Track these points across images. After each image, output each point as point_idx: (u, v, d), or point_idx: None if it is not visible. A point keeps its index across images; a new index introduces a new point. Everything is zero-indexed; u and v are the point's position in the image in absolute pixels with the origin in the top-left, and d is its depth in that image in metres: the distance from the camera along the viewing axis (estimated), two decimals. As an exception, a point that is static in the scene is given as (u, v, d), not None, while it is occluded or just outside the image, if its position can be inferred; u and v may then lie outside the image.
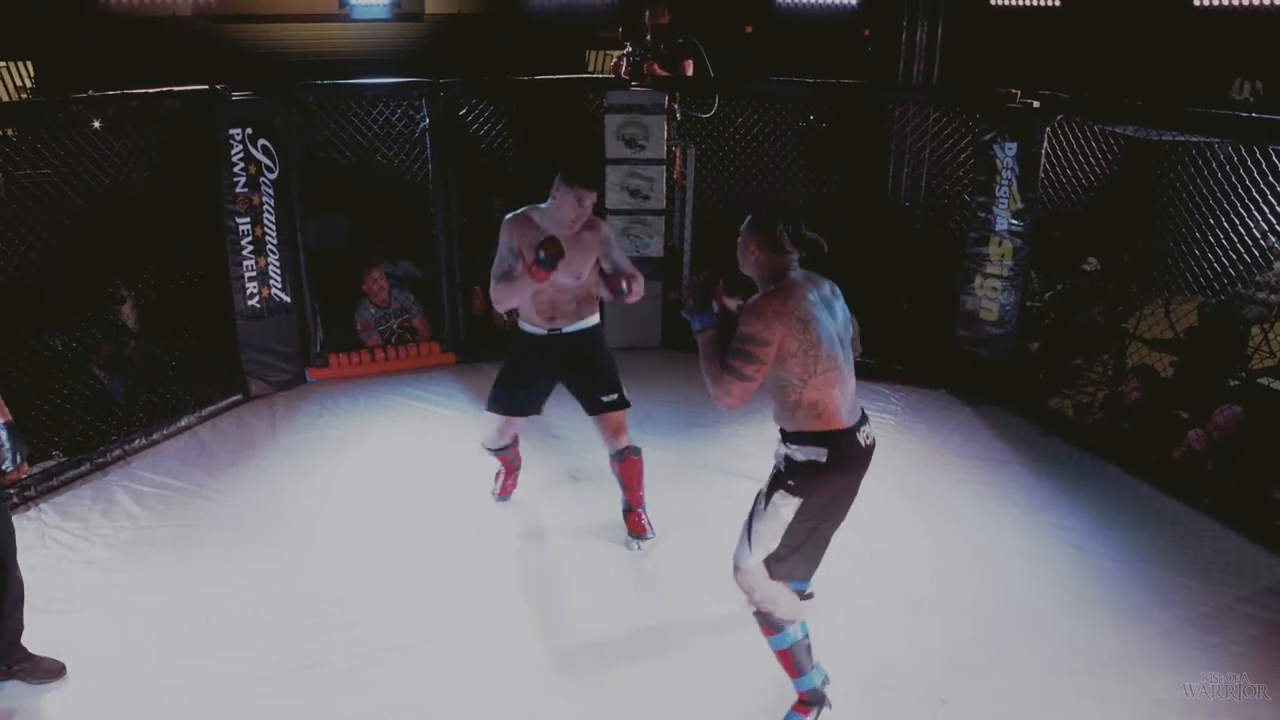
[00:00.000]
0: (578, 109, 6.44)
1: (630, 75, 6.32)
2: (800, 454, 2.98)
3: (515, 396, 4.19)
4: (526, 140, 6.53)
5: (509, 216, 3.95)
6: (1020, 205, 5.42)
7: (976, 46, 7.18)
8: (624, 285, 3.89)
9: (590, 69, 9.72)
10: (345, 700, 3.37)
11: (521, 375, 4.16)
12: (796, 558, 3.08)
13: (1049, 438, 5.35)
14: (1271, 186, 4.61)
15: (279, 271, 5.57)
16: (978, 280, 5.70)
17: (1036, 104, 5.34)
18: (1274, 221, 4.68)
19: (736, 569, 3.15)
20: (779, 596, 3.10)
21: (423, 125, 5.84)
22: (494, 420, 4.24)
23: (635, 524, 4.29)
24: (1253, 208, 4.75)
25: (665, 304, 6.47)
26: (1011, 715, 3.33)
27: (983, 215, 5.61)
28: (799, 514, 3.00)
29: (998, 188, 5.49)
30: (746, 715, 3.33)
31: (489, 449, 4.38)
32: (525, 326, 4.11)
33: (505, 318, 6.14)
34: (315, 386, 5.81)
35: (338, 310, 6.14)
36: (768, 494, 3.06)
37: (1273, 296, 6.20)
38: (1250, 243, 4.86)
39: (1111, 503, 4.68)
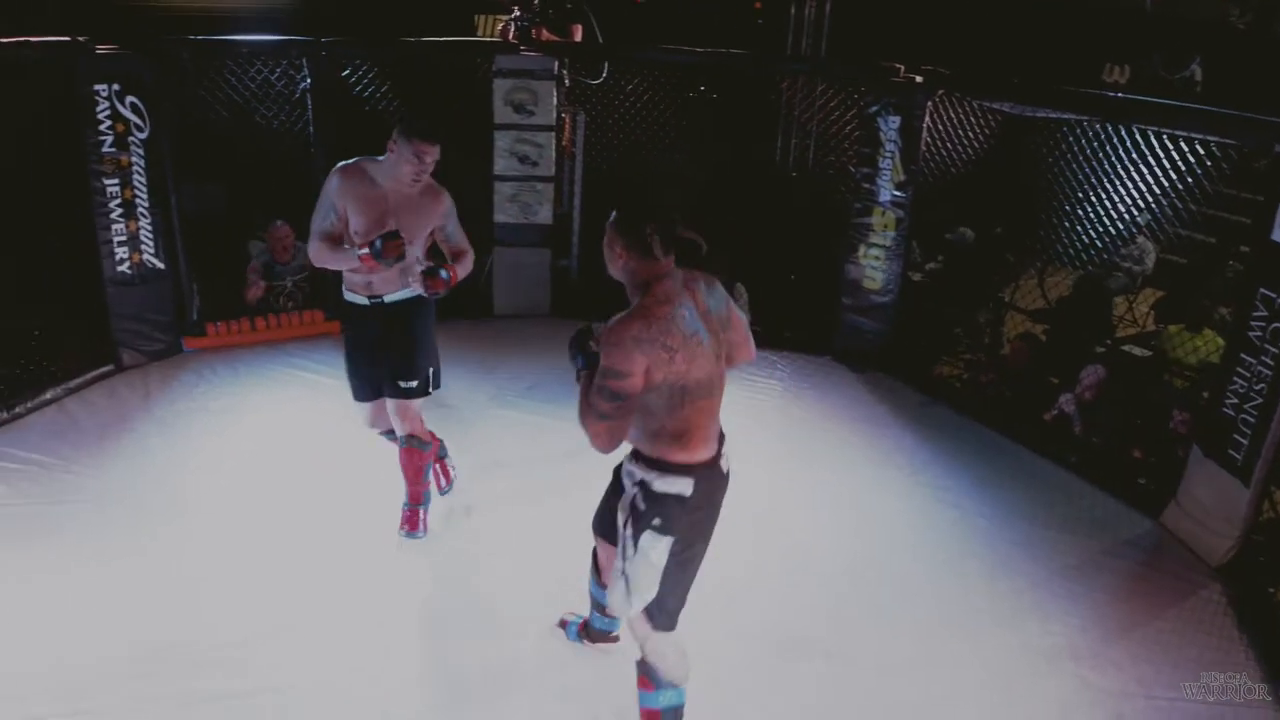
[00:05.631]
0: (466, 73, 6.30)
1: (519, 40, 6.22)
2: (660, 484, 2.62)
3: (362, 378, 3.87)
4: (413, 105, 6.37)
5: (340, 165, 3.55)
6: (903, 177, 5.57)
7: (863, 22, 7.32)
8: (441, 287, 3.58)
9: (480, 33, 9.54)
10: (213, 682, 3.22)
11: (358, 353, 3.83)
12: (675, 600, 2.75)
13: (930, 402, 5.54)
14: (1135, 164, 4.85)
15: (151, 236, 5.31)
16: (861, 250, 5.83)
17: (919, 79, 5.48)
18: (1136, 197, 4.93)
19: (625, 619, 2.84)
20: (668, 650, 2.80)
21: (303, 85, 5.64)
22: (359, 407, 3.98)
23: (407, 519, 4.03)
24: (1118, 184, 4.99)
25: (554, 272, 6.44)
26: (890, 665, 3.45)
27: (867, 186, 5.75)
28: (672, 553, 2.66)
29: (881, 160, 5.63)
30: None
31: (376, 431, 4.08)
32: (349, 296, 3.75)
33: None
34: (192, 356, 5.58)
35: (216, 281, 5.89)
36: (633, 535, 2.67)
37: (1135, 268, 6.54)
38: (1115, 217, 5.11)
39: (987, 464, 4.89)
